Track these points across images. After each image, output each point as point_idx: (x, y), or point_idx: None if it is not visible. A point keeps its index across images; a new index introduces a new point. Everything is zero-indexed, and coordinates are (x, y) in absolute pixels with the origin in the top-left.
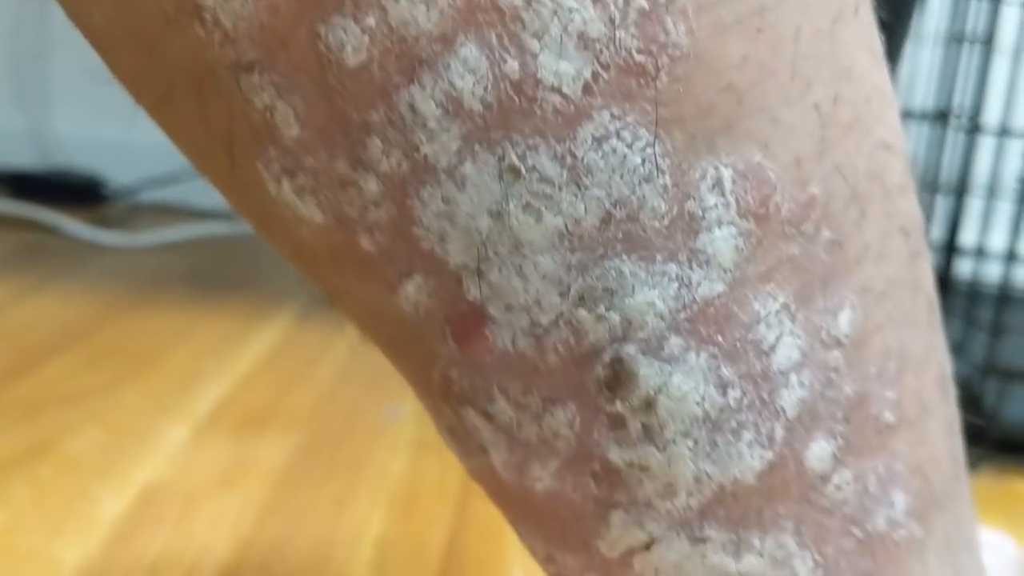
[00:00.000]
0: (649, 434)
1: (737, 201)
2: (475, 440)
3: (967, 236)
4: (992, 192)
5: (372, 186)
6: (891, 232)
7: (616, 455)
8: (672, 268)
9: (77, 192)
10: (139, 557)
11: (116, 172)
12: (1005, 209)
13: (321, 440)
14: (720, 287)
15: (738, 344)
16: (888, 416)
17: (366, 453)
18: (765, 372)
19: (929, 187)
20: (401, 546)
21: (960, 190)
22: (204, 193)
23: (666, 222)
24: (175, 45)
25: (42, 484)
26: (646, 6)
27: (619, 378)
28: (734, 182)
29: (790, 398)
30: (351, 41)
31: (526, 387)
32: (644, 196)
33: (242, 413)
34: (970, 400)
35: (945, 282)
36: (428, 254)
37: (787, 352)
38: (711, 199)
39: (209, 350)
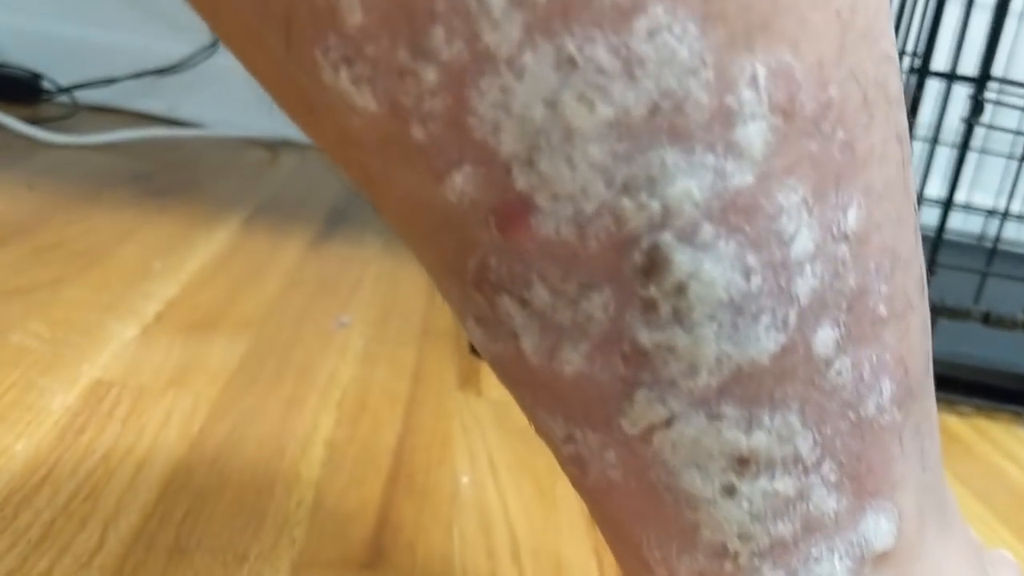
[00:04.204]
0: (678, 317)
1: (769, 97)
2: (506, 326)
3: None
4: (936, 139)
5: (431, 76)
6: (890, 138)
7: (645, 337)
8: (709, 159)
9: (15, 88)
10: (90, 450)
11: (55, 70)
12: (945, 154)
13: (270, 344)
14: (750, 178)
15: (762, 233)
16: (882, 309)
17: (315, 359)
18: (784, 261)
19: None
20: (351, 448)
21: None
22: (142, 96)
23: (707, 114)
24: None
25: None
26: None
27: (655, 264)
28: (767, 79)
29: (804, 287)
30: None
31: (565, 273)
32: (689, 88)
33: (190, 315)
34: None
35: None
36: (480, 144)
37: (803, 244)
38: (747, 94)
39: (155, 251)
